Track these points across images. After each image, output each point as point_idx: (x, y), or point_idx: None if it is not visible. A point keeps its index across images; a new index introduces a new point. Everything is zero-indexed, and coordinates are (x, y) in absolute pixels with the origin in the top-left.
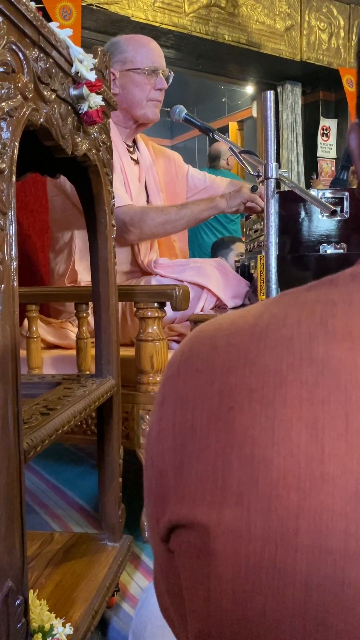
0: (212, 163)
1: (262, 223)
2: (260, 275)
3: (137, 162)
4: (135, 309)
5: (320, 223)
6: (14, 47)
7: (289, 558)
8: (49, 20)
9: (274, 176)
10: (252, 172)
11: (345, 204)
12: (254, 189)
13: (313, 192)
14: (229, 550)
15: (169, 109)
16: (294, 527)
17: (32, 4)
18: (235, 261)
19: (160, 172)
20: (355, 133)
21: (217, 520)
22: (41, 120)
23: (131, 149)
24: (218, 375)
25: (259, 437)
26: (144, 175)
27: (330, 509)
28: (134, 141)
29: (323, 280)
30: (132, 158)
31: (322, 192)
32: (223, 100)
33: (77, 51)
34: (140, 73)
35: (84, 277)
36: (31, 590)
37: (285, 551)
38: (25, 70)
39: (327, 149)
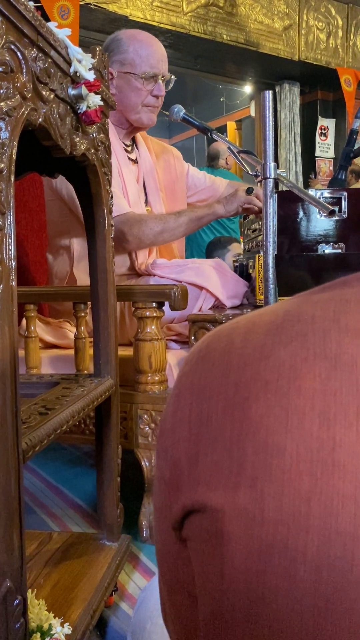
0: (211, 162)
1: (260, 223)
2: (259, 275)
3: (135, 161)
4: (133, 309)
5: (319, 223)
6: (12, 46)
7: (301, 539)
8: (47, 19)
9: (273, 176)
10: (250, 172)
11: (344, 203)
12: (249, 191)
13: (311, 191)
14: (242, 532)
15: (166, 112)
16: (305, 510)
17: (31, 3)
18: (234, 261)
19: (160, 171)
20: None
21: (232, 504)
22: (40, 120)
23: (129, 148)
24: (234, 369)
25: (273, 425)
26: (142, 175)
27: (340, 494)
28: (133, 140)
29: (337, 281)
30: (129, 158)
31: (320, 192)
32: (221, 99)
33: (75, 51)
34: (137, 78)
35: (83, 283)
36: (30, 590)
37: (297, 533)
38: (24, 70)
39: (325, 148)
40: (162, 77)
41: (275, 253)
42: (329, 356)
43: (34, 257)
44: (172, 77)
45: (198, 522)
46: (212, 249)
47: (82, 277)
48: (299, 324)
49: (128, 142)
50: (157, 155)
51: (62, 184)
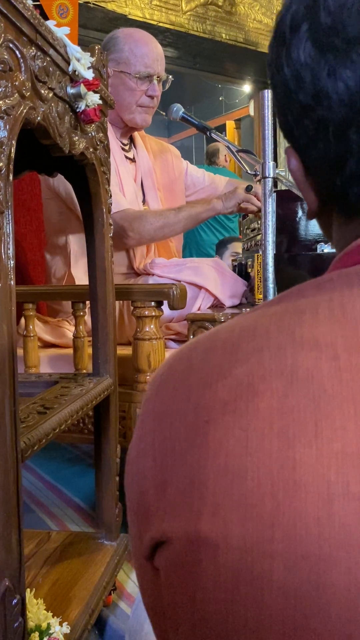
0: (210, 160)
1: (259, 222)
2: (258, 275)
3: (132, 160)
4: (132, 308)
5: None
6: (11, 45)
7: (266, 565)
8: (46, 18)
9: (271, 175)
10: (249, 171)
11: None
12: (248, 189)
13: None
14: (209, 562)
15: (162, 112)
16: (269, 535)
17: (29, 1)
18: (232, 260)
19: (158, 171)
20: (293, 157)
21: (195, 533)
22: (38, 118)
23: (126, 147)
24: (194, 391)
25: (233, 448)
26: (140, 174)
27: (303, 515)
28: (131, 138)
29: (291, 290)
30: (127, 157)
31: None
32: (220, 98)
33: (74, 49)
34: (131, 78)
35: (81, 282)
36: (28, 589)
37: (262, 559)
38: (23, 69)
39: None
40: (158, 77)
41: (274, 252)
42: (285, 372)
43: (32, 256)
44: (169, 77)
45: (166, 553)
46: (217, 249)
47: (80, 277)
48: (255, 339)
49: (125, 141)
50: (155, 154)
51: (60, 182)
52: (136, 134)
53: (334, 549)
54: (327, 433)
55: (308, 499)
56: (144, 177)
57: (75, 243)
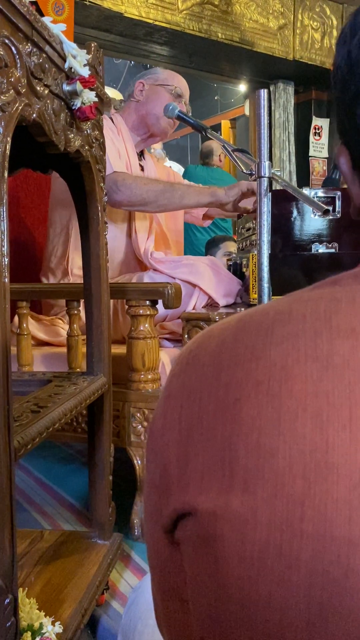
0: (204, 160)
1: (254, 221)
2: (253, 274)
3: (142, 168)
4: (127, 307)
5: (313, 222)
6: (7, 41)
7: (294, 544)
8: (42, 14)
9: (267, 175)
10: (244, 171)
11: (337, 203)
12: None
13: (306, 191)
14: (236, 537)
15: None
16: (299, 515)
17: None
18: (227, 259)
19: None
20: (344, 156)
21: (224, 507)
22: (34, 115)
23: (139, 157)
24: (225, 369)
25: (265, 427)
26: None
27: (334, 498)
28: (141, 152)
29: (327, 280)
30: (139, 164)
31: (314, 192)
32: (216, 98)
33: (70, 46)
34: (169, 90)
35: (77, 266)
36: (20, 589)
37: (291, 538)
38: (18, 65)
39: (319, 148)
40: (185, 102)
41: (269, 252)
42: (320, 357)
43: (26, 254)
44: (190, 108)
45: (190, 525)
46: (208, 248)
47: (77, 260)
48: (290, 324)
49: (138, 151)
50: (159, 169)
51: None
52: (145, 151)
53: None
54: None
55: (340, 482)
56: None
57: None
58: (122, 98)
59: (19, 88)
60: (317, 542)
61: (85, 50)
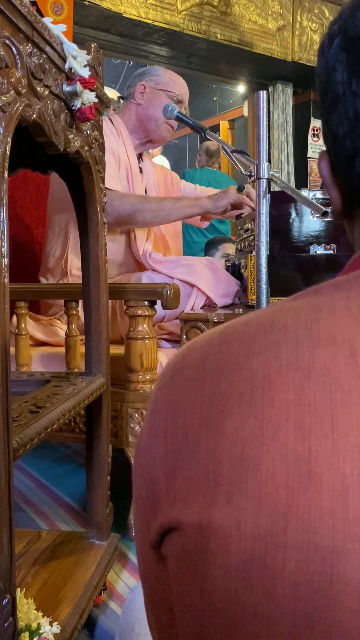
0: (209, 160)
1: (252, 223)
2: (251, 275)
3: (141, 171)
4: (125, 307)
5: (311, 224)
6: (7, 42)
7: (279, 555)
8: (41, 15)
9: (266, 176)
10: (243, 172)
11: None
12: (240, 189)
13: (304, 192)
14: (220, 549)
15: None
16: (282, 525)
17: None
18: (225, 260)
19: (161, 184)
20: (324, 161)
21: (208, 520)
22: (34, 116)
23: (137, 159)
24: (208, 381)
25: (248, 438)
26: (145, 185)
27: (317, 507)
28: (140, 155)
29: (308, 289)
30: (138, 166)
31: (313, 193)
32: (214, 99)
33: (70, 47)
34: (170, 96)
35: (76, 267)
36: (18, 589)
37: (275, 549)
38: (19, 66)
39: (317, 149)
40: (185, 107)
41: (268, 253)
42: (301, 366)
43: (24, 254)
44: (188, 112)
45: (176, 540)
46: (207, 249)
47: (75, 261)
48: (272, 333)
49: (137, 154)
50: (157, 171)
51: None
52: (144, 153)
53: (348, 542)
54: (343, 426)
55: (323, 491)
56: (149, 188)
57: (76, 227)
58: (119, 95)
59: (20, 88)
60: (301, 552)
61: (85, 51)
